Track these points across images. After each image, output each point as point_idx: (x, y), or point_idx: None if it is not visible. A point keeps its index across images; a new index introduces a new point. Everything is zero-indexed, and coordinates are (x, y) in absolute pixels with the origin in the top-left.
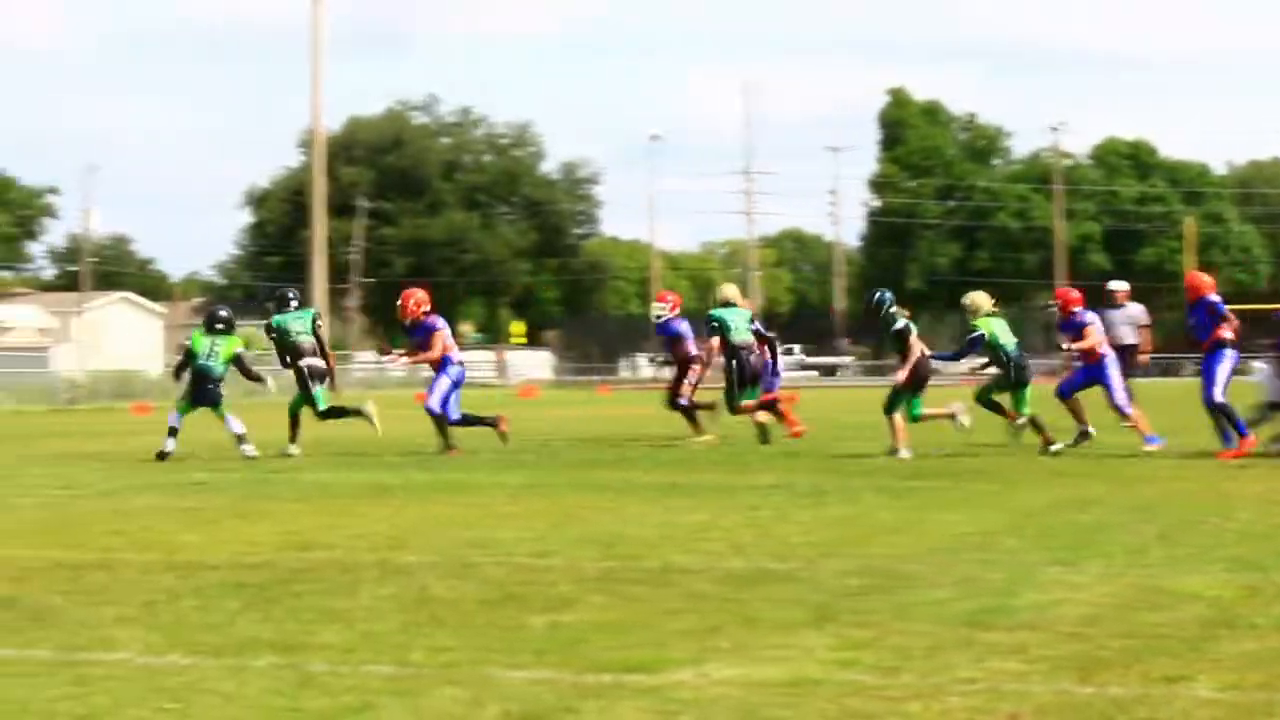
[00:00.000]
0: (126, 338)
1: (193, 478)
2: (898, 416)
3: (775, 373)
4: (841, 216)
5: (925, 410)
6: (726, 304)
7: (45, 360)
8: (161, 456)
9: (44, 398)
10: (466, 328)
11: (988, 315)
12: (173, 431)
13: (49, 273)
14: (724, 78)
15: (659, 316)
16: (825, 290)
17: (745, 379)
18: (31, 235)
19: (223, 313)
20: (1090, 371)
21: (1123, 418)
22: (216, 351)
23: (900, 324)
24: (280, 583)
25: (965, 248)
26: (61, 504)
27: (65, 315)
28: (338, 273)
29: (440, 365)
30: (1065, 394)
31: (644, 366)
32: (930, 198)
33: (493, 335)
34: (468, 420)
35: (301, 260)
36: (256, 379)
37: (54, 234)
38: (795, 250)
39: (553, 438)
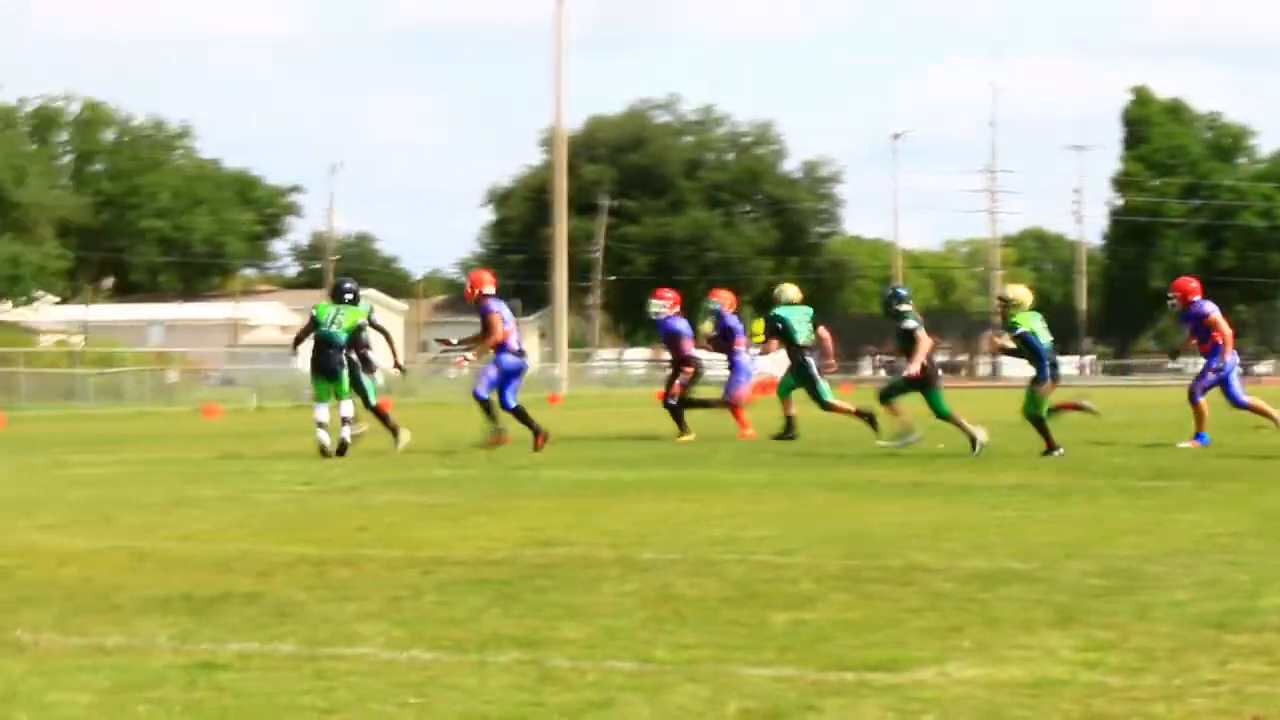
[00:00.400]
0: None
1: (436, 473)
2: (899, 402)
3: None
4: (1084, 215)
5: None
6: (789, 304)
7: (289, 357)
8: (340, 450)
9: (287, 394)
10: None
11: (1029, 311)
12: (321, 425)
13: (292, 270)
14: (966, 76)
15: (657, 313)
16: (1067, 290)
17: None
18: (276, 233)
19: (349, 284)
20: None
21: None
22: (340, 320)
23: (910, 323)
24: (522, 578)
25: (1209, 247)
26: (305, 500)
27: (308, 313)
28: (579, 271)
29: (496, 352)
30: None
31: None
32: (1174, 196)
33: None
34: (520, 414)
35: (543, 258)
36: (365, 357)
37: (298, 232)
38: (1037, 249)
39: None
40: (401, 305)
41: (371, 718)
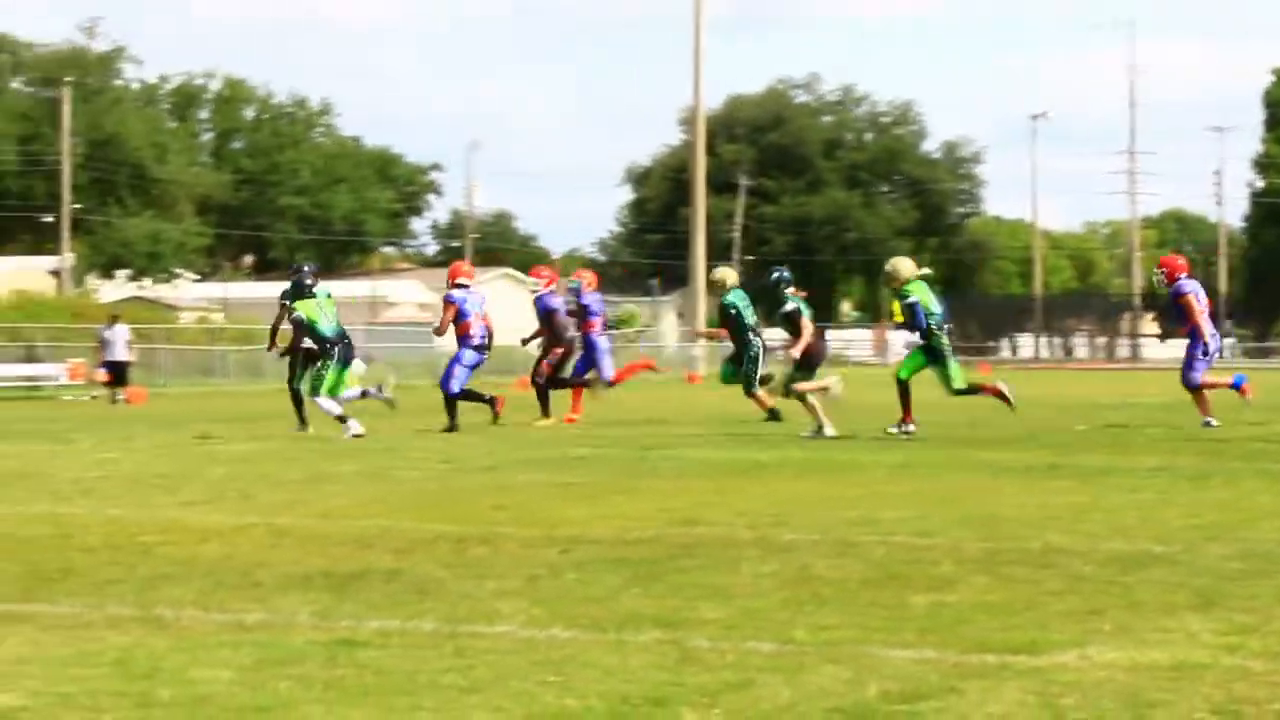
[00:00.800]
0: (508, 314)
1: (573, 453)
2: (804, 386)
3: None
4: (1225, 197)
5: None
6: (736, 288)
7: (429, 335)
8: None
9: (427, 373)
10: (846, 306)
11: (917, 279)
12: (342, 418)
13: (432, 249)
14: (1107, 57)
15: (534, 290)
16: (1209, 272)
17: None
18: (416, 212)
19: (308, 278)
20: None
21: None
22: (328, 313)
23: (790, 305)
24: (661, 558)
25: None
26: (444, 477)
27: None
28: (718, 250)
29: (460, 343)
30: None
31: (1024, 346)
32: None
33: (872, 314)
34: (452, 402)
35: (682, 238)
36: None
37: (437, 210)
38: (1178, 231)
39: (929, 417)
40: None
41: (511, 696)
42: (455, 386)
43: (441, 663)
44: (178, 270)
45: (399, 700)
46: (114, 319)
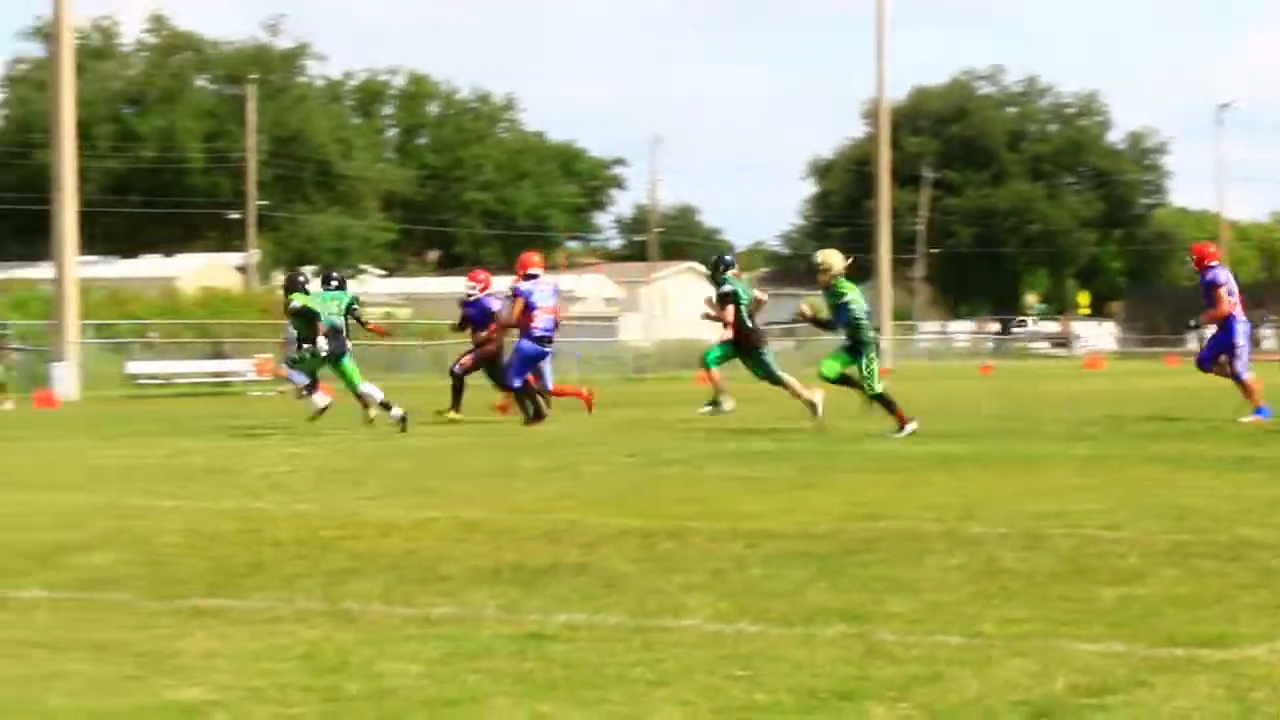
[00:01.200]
0: (693, 307)
1: (759, 447)
2: (715, 371)
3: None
4: None
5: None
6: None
7: (614, 330)
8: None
9: (613, 367)
10: (1031, 298)
11: (848, 279)
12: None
13: (616, 243)
14: None
15: (470, 294)
16: None
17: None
18: (600, 206)
19: (336, 273)
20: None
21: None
22: (329, 307)
23: (727, 287)
24: (847, 552)
25: None
26: (630, 472)
27: (633, 285)
28: (903, 243)
29: (520, 335)
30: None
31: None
32: None
33: (1057, 306)
34: (521, 395)
35: (866, 230)
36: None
37: (621, 205)
38: None
39: (1118, 410)
40: None
41: (698, 690)
42: (517, 380)
43: (629, 656)
44: (363, 266)
45: (587, 693)
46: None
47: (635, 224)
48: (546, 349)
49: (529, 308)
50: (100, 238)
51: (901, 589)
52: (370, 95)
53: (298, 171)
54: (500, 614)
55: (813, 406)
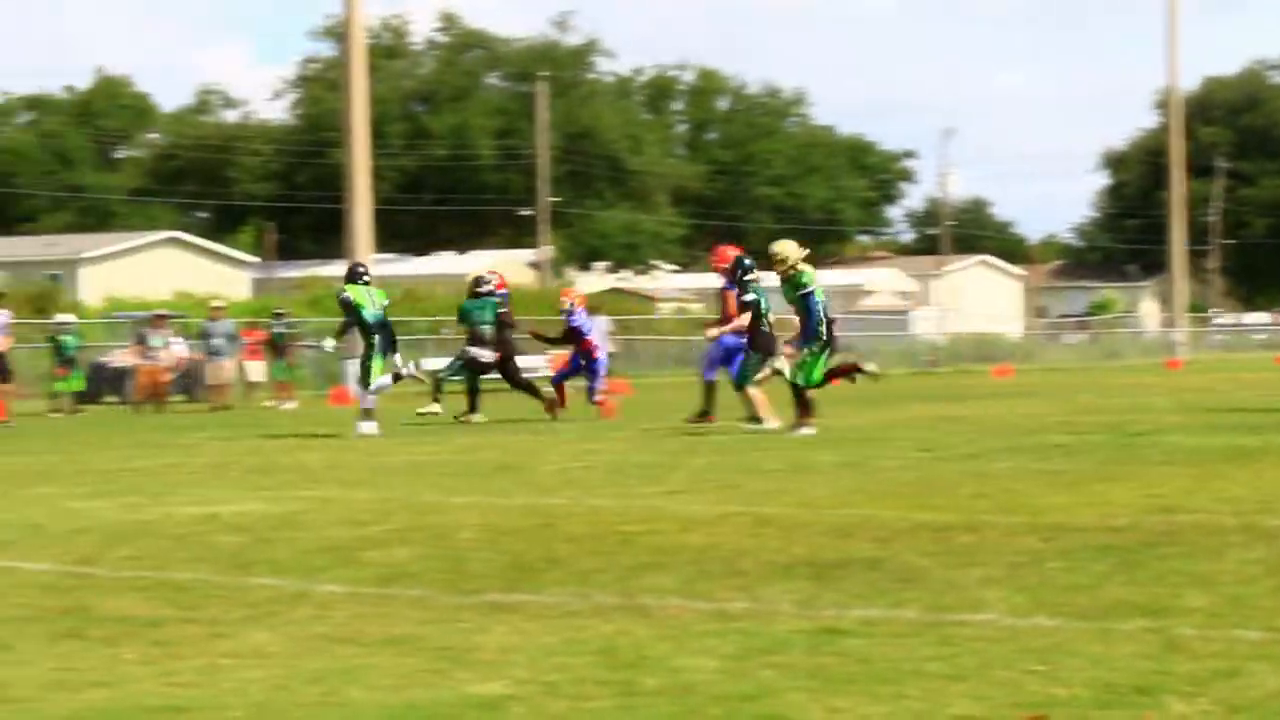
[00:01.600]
0: (986, 300)
1: (1054, 440)
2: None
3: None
4: None
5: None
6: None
7: (905, 323)
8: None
9: (904, 360)
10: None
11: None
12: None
13: (907, 236)
14: None
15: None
16: None
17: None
18: (890, 199)
19: (361, 266)
20: None
21: None
22: (375, 300)
23: (749, 297)
24: (1145, 545)
25: None
26: (924, 466)
27: (924, 279)
28: (1197, 234)
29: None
30: None
31: None
32: None
33: None
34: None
35: (1160, 222)
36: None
37: (912, 198)
38: None
39: None
40: (1018, 271)
41: (995, 684)
42: (712, 373)
43: (925, 651)
44: (654, 261)
45: (883, 688)
46: (593, 310)
47: (926, 217)
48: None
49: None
50: (394, 236)
51: (1200, 583)
52: (659, 91)
53: (588, 167)
54: (796, 609)
55: (757, 420)
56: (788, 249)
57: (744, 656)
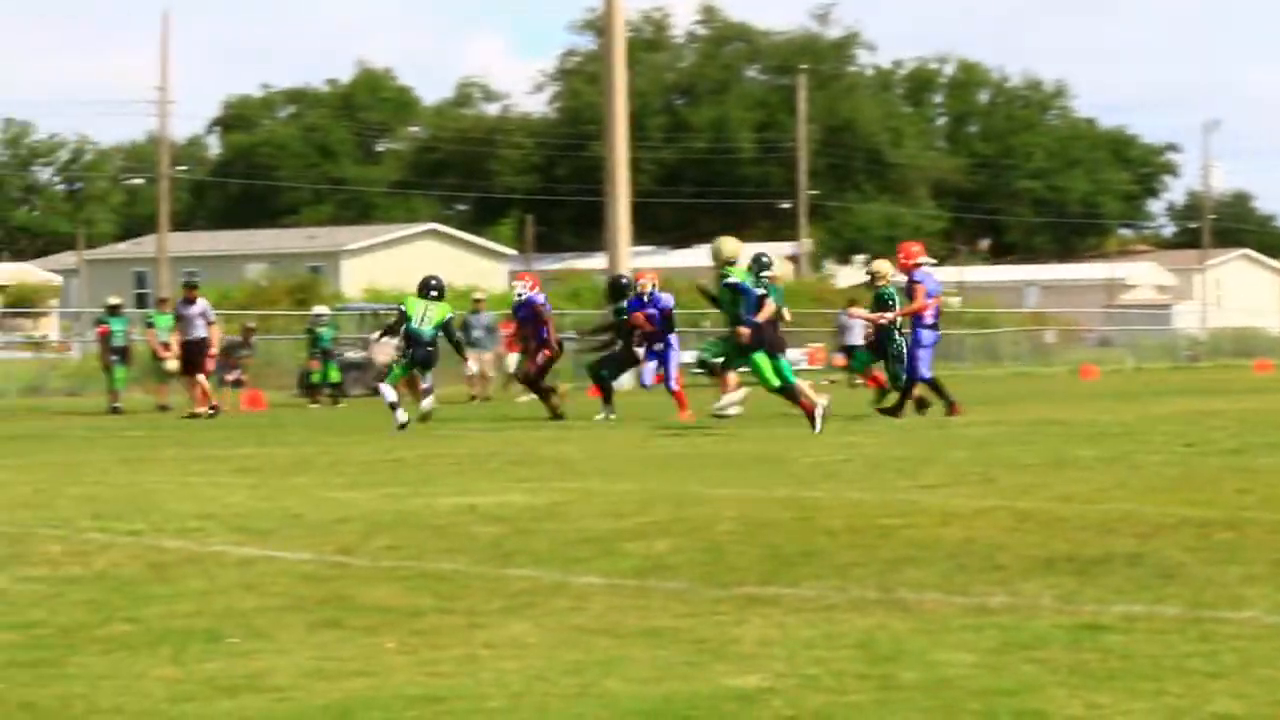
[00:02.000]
0: (1247, 294)
1: None
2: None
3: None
4: None
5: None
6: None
7: (1167, 318)
8: (402, 427)
9: (1165, 354)
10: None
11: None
12: (393, 406)
13: (1168, 230)
14: None
15: (520, 294)
16: None
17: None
18: (1152, 193)
19: (435, 281)
20: None
21: None
22: (429, 316)
23: (760, 291)
24: None
25: None
26: (1186, 461)
27: (1186, 272)
28: None
29: (914, 325)
30: None
31: None
32: None
33: None
34: (935, 385)
35: None
36: (459, 349)
37: (1174, 191)
38: None
39: None
40: (1277, 264)
41: (1257, 682)
42: (926, 370)
43: (1186, 648)
44: None
45: (1143, 685)
46: (851, 303)
47: (1188, 211)
48: (939, 334)
49: (929, 295)
50: (652, 228)
51: None
52: (920, 83)
53: (848, 160)
54: (1056, 604)
55: (721, 415)
56: (724, 245)
57: (1003, 651)
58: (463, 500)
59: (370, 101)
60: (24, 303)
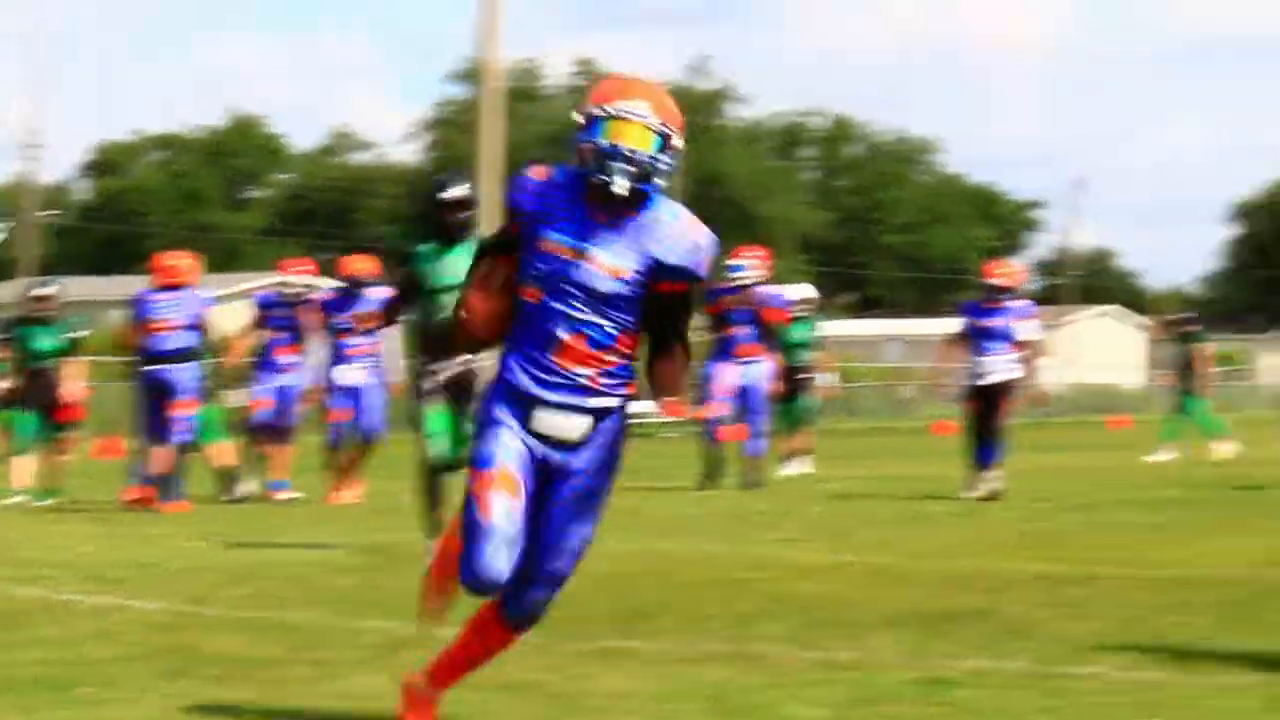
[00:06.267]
0: (1109, 350)
1: (1170, 493)
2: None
3: None
4: None
5: None
6: None
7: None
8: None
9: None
10: None
11: None
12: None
13: (1033, 286)
14: None
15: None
16: None
17: None
18: (1015, 249)
19: None
20: None
21: None
22: None
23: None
24: (1259, 599)
25: None
26: (1038, 516)
27: (1049, 328)
28: None
29: None
30: None
31: None
32: None
33: None
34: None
35: None
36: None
37: (1039, 247)
38: None
39: None
40: (1143, 321)
41: None
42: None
43: (1034, 703)
44: None
45: None
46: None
47: (1052, 267)
48: None
49: None
50: None
51: None
52: (791, 137)
53: (718, 213)
54: (905, 659)
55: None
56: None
57: (852, 705)
58: (315, 552)
59: (241, 148)
60: None
